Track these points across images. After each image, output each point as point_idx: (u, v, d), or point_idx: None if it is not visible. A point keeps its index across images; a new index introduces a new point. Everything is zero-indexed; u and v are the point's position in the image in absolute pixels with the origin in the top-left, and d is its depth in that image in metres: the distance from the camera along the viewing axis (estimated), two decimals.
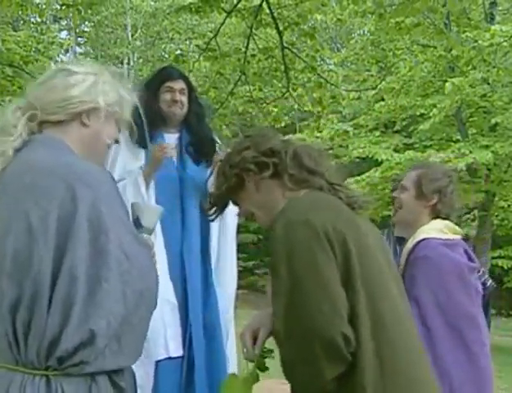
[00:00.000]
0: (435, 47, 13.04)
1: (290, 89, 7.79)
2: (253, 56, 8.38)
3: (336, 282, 1.51)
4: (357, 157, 14.55)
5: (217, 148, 3.13)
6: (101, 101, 1.71)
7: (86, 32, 24.04)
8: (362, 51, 14.86)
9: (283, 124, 9.75)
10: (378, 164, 13.55)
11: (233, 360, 3.02)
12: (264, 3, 6.81)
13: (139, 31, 22.59)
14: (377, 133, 15.21)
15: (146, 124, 2.89)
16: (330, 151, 14.69)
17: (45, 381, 1.49)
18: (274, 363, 1.58)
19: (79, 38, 24.23)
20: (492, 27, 11.18)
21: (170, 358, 2.80)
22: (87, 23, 22.67)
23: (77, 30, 23.15)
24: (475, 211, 15.31)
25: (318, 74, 8.41)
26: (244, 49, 7.80)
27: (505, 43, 10.84)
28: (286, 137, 2.19)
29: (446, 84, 11.70)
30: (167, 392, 2.80)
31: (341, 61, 16.17)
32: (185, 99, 3.06)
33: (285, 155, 1.74)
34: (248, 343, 1.67)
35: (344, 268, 1.53)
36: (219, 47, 7.83)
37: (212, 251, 3.06)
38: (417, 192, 2.59)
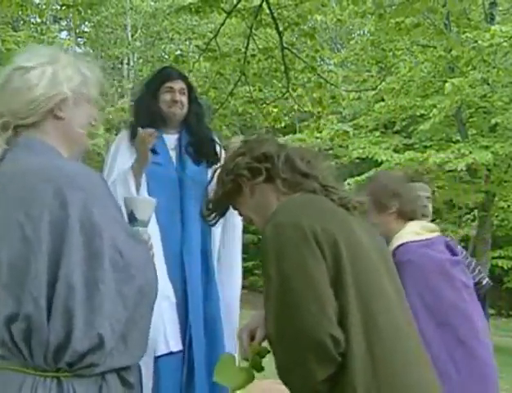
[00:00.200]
0: (435, 48, 13.05)
1: (290, 89, 7.77)
2: (253, 56, 8.37)
3: (325, 283, 1.51)
4: (357, 158, 14.58)
5: (217, 148, 3.13)
6: (66, 89, 1.67)
7: (86, 32, 24.01)
8: (362, 51, 14.85)
9: (283, 125, 9.75)
10: (378, 164, 13.57)
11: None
12: (264, 3, 6.80)
13: (139, 31, 22.58)
14: (377, 134, 15.24)
15: (146, 124, 2.91)
16: (330, 152, 14.71)
17: (56, 383, 1.49)
18: (270, 363, 1.58)
19: (79, 39, 24.21)
20: (492, 27, 11.19)
21: (171, 353, 2.80)
22: (87, 23, 22.65)
23: (77, 30, 23.14)
24: (475, 211, 15.34)
25: (318, 75, 8.41)
26: (244, 49, 7.78)
27: (505, 44, 10.84)
28: (286, 137, 2.19)
29: (446, 85, 11.71)
30: (168, 390, 2.80)
31: (341, 62, 16.19)
32: (185, 99, 3.06)
33: (277, 159, 1.74)
34: (245, 343, 1.68)
35: (335, 268, 1.53)
36: (219, 47, 7.82)
37: (214, 251, 3.06)
38: (377, 207, 2.64)
